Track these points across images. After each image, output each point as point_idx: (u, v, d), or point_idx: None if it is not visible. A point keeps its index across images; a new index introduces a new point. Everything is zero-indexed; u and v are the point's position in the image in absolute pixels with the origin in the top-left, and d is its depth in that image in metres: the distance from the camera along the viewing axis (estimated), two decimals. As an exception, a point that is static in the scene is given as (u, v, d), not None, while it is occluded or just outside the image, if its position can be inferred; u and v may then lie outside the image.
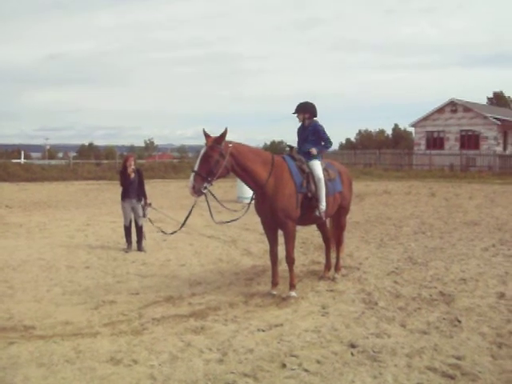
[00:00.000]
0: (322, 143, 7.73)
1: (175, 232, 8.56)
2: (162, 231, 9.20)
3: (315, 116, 7.80)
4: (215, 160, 6.63)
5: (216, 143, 6.68)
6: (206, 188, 6.68)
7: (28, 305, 6.87)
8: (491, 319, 6.18)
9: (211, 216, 7.28)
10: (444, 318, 6.21)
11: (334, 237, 8.45)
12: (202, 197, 6.82)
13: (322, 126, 7.73)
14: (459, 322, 6.06)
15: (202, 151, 6.72)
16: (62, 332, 5.82)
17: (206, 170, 6.63)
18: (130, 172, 10.61)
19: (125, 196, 10.61)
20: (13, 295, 7.33)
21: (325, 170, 7.56)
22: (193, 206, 7.27)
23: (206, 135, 6.82)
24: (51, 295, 7.35)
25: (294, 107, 7.74)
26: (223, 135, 6.73)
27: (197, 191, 6.62)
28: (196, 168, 6.66)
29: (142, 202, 10.60)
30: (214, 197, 7.12)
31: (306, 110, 7.73)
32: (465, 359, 5.01)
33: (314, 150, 7.51)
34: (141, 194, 10.63)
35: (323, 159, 7.86)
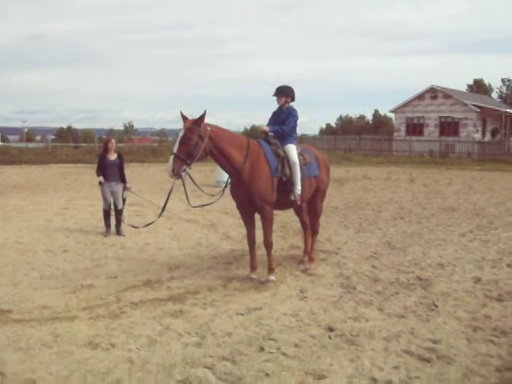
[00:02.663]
0: (285, 127, 7.52)
1: (150, 224, 8.57)
2: (134, 226, 9.44)
3: (294, 100, 7.76)
4: (194, 142, 6.57)
5: (195, 125, 6.62)
6: (184, 170, 6.63)
7: (5, 289, 6.79)
8: (467, 303, 6.26)
9: (187, 200, 7.24)
10: (421, 303, 6.28)
11: (309, 223, 8.43)
12: (181, 181, 6.77)
13: (296, 113, 7.64)
14: (436, 306, 6.14)
15: (181, 133, 6.65)
16: (40, 316, 5.77)
17: (186, 152, 6.57)
18: (111, 155, 10.56)
19: (104, 178, 10.50)
20: (-11, 279, 7.24)
21: (300, 154, 7.53)
22: (170, 192, 7.24)
23: (184, 117, 6.76)
24: (29, 279, 7.27)
25: (274, 90, 7.69)
26: (202, 117, 6.66)
27: (176, 174, 6.54)
28: (175, 150, 6.59)
29: (122, 186, 10.53)
30: (193, 180, 7.06)
31: (286, 94, 7.67)
32: (441, 343, 5.08)
33: (265, 128, 7.47)
34: (121, 178, 10.55)
35: (299, 144, 7.85)
